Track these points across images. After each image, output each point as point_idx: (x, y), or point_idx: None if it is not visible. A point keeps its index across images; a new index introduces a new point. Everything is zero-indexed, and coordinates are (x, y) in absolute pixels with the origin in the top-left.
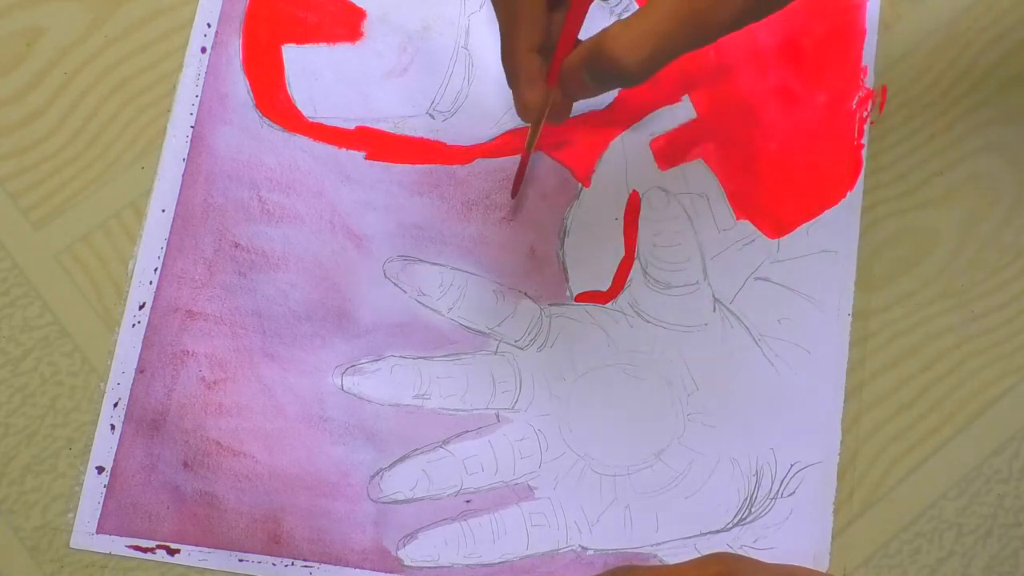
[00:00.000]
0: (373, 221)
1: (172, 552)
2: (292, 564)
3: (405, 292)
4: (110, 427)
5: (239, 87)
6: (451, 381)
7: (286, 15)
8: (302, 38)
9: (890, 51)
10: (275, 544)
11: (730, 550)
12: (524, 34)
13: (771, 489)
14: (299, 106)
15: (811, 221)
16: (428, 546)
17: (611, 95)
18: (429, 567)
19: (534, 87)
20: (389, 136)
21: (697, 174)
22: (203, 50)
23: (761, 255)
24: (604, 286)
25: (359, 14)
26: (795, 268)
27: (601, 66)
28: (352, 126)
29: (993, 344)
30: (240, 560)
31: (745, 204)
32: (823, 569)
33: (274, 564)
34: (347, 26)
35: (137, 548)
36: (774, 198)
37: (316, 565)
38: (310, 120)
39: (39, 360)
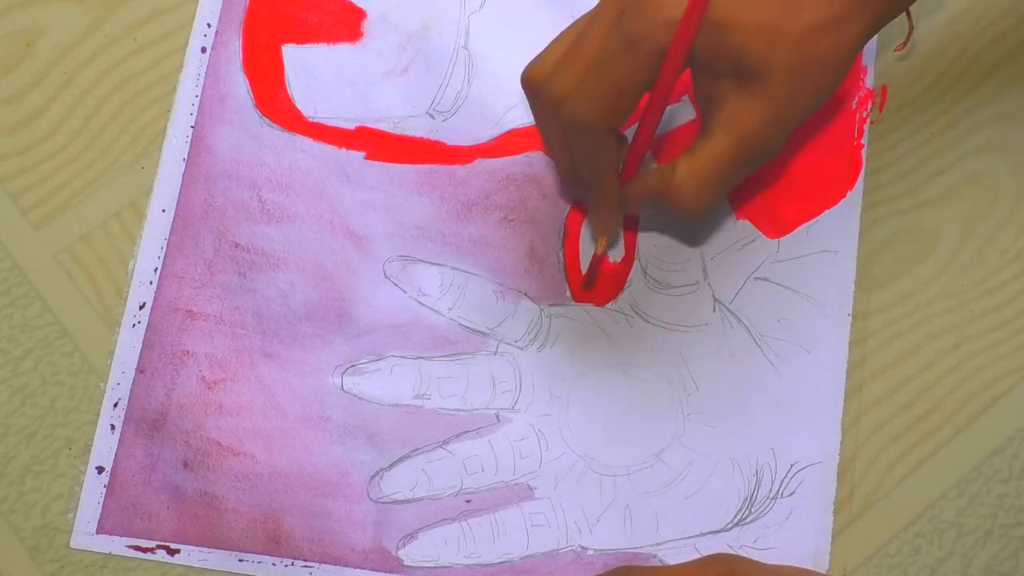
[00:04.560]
0: (373, 221)
1: (172, 552)
2: (292, 564)
3: (405, 292)
4: (110, 427)
5: (239, 87)
6: (451, 381)
7: (286, 15)
8: (302, 38)
9: (890, 51)
10: (275, 544)
11: (730, 550)
12: (607, 165)
13: (771, 489)
14: (299, 106)
15: (811, 221)
16: (428, 546)
17: None
18: (429, 567)
19: (617, 208)
20: (389, 136)
21: None
22: (203, 50)
23: (761, 255)
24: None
25: (359, 14)
26: (795, 268)
27: (667, 206)
28: (352, 126)
29: (993, 344)
30: (240, 560)
31: (745, 204)
32: (823, 569)
33: (274, 564)
34: (347, 26)
35: (137, 548)
36: (774, 198)
37: (316, 565)
38: (310, 120)
39: (39, 360)
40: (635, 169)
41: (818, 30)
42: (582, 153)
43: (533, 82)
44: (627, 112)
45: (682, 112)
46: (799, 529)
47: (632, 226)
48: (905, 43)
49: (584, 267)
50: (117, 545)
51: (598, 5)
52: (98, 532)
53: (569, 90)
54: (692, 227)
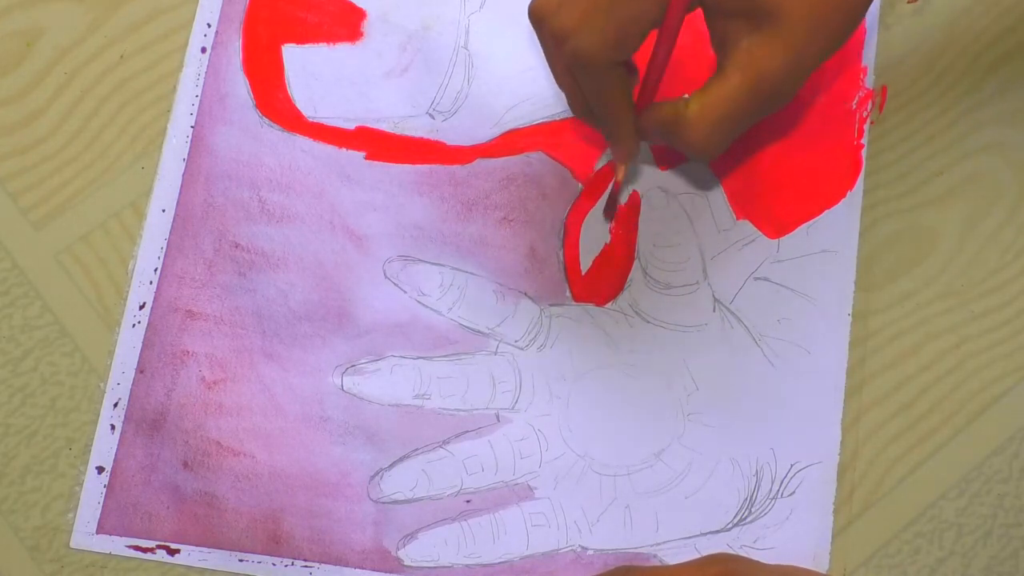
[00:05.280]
0: (373, 221)
1: (172, 552)
2: (292, 564)
3: (405, 292)
4: (110, 427)
5: (239, 87)
6: (451, 381)
7: (286, 15)
8: (302, 38)
9: (890, 51)
10: (275, 544)
11: (730, 550)
12: (616, 96)
13: (771, 489)
14: (299, 106)
15: (811, 221)
16: (428, 546)
17: None
18: (429, 567)
19: (633, 138)
20: (389, 136)
21: (697, 174)
22: (203, 50)
23: (761, 255)
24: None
25: (359, 14)
26: (795, 268)
27: (677, 142)
28: (352, 126)
29: (993, 344)
30: (240, 560)
31: (745, 204)
32: (823, 569)
33: (274, 564)
34: (347, 26)
35: (137, 548)
36: (774, 198)
37: (316, 565)
38: (310, 120)
39: (39, 360)
40: (649, 99)
41: None
42: (589, 86)
43: (539, 14)
44: (632, 48)
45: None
46: (799, 529)
47: (632, 226)
48: None
49: (585, 266)
50: (117, 545)
51: None
52: (98, 532)
53: (573, 24)
54: (692, 227)
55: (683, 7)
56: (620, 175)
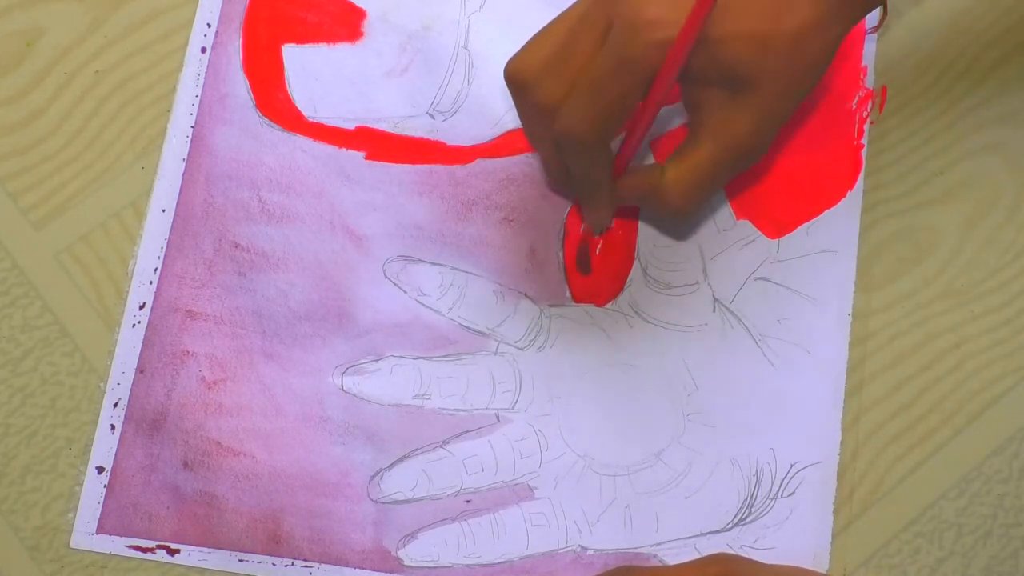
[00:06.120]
0: (373, 221)
1: (172, 552)
2: (292, 564)
3: (405, 292)
4: (110, 427)
5: (239, 87)
6: (451, 381)
7: (286, 15)
8: (302, 38)
9: (890, 51)
10: (275, 544)
11: (730, 550)
12: (601, 171)
13: (771, 489)
14: (299, 106)
15: (811, 221)
16: (428, 546)
17: None
18: (429, 567)
19: (610, 207)
20: (389, 136)
21: None
22: (203, 50)
23: (761, 255)
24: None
25: (359, 14)
26: (795, 268)
27: (656, 208)
28: (352, 126)
29: (993, 344)
30: (240, 560)
31: (745, 204)
32: (823, 569)
33: (274, 564)
34: (347, 26)
35: (137, 548)
36: (774, 198)
37: (316, 565)
38: (310, 120)
39: (39, 360)
40: (624, 168)
41: (805, 31)
42: (576, 161)
43: (519, 79)
44: (621, 124)
45: (681, 112)
46: (799, 529)
47: (632, 225)
48: (878, 27)
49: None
50: (117, 545)
51: (580, 2)
52: (98, 532)
53: (560, 100)
54: (692, 227)
55: (669, 84)
56: (591, 235)
